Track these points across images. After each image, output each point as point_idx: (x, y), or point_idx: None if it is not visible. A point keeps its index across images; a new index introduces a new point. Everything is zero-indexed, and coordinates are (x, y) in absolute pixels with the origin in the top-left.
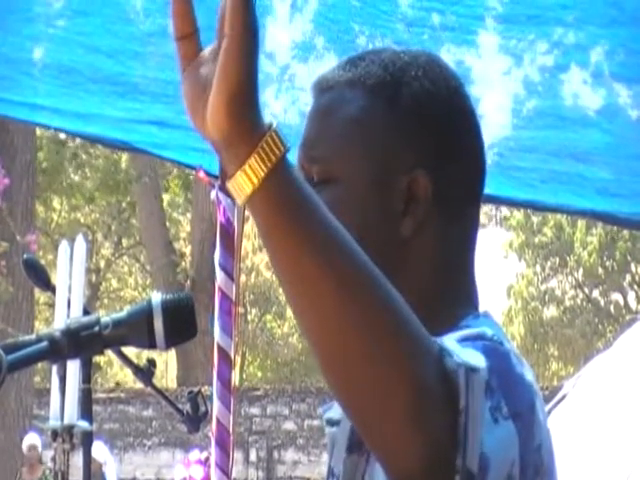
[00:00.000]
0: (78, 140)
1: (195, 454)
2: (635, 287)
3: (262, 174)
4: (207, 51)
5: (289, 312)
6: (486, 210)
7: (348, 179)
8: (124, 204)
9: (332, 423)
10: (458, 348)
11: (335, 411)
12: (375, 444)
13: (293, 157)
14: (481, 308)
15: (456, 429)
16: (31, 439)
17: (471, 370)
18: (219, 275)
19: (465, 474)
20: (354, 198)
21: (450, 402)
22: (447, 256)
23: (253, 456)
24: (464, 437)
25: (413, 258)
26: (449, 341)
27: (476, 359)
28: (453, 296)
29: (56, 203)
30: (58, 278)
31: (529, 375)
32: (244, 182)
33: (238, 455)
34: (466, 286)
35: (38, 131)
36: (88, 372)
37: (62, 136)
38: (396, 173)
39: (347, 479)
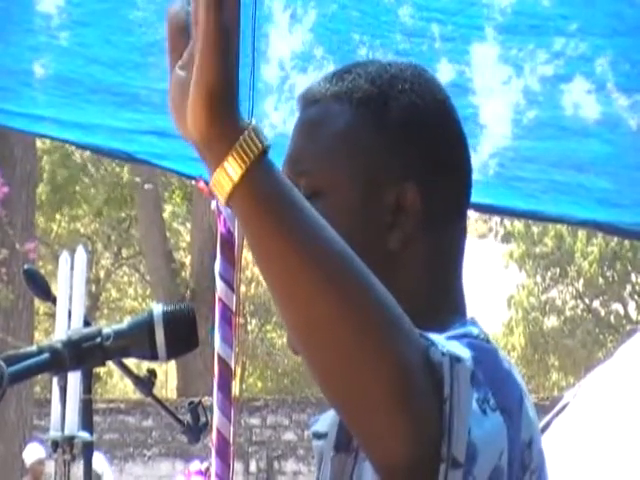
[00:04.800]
0: (86, 154)
1: (195, 465)
2: (636, 297)
3: (240, 171)
4: (185, 53)
5: None
6: (488, 222)
7: (335, 193)
8: (124, 214)
9: (319, 436)
10: (444, 341)
11: (322, 424)
12: (362, 433)
13: (277, 159)
14: (469, 315)
15: (442, 418)
16: (37, 452)
17: (456, 360)
18: (219, 285)
19: (451, 462)
20: (342, 212)
21: (436, 391)
22: (435, 267)
23: (253, 467)
24: (449, 425)
25: (401, 270)
26: (435, 335)
27: (461, 351)
28: (441, 306)
29: (56, 213)
30: (59, 289)
31: (517, 374)
32: (223, 180)
33: (238, 465)
34: (454, 296)
35: (42, 144)
36: (89, 383)
37: (70, 149)
38: (384, 187)
39: (335, 479)
